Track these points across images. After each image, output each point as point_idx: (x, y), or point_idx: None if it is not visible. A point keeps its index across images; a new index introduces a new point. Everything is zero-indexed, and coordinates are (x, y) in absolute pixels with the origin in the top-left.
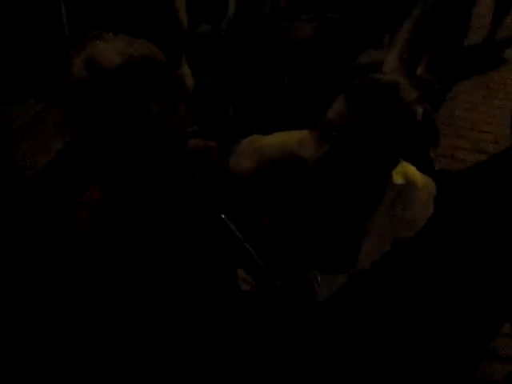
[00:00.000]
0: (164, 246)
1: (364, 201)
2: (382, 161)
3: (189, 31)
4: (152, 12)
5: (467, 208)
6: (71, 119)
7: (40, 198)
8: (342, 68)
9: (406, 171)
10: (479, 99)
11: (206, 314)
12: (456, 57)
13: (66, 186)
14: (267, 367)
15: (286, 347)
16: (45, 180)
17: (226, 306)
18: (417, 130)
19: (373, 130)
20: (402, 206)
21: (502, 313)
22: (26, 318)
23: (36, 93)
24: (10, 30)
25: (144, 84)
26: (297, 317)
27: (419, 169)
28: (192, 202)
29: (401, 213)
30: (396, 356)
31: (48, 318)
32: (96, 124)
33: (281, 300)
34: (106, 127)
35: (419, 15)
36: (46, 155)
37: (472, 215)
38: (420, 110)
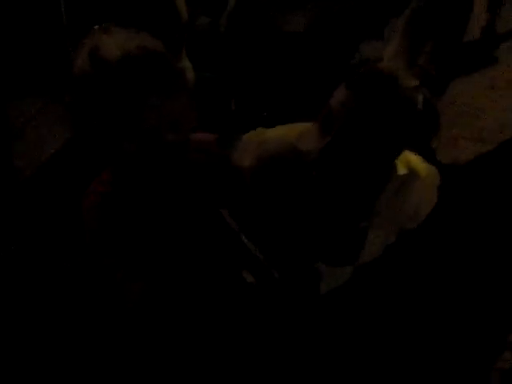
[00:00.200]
0: (165, 237)
1: (367, 191)
2: (384, 150)
3: (188, 25)
4: (152, 5)
5: (472, 198)
6: (74, 111)
7: (41, 195)
8: (344, 59)
9: (409, 161)
10: (481, 89)
11: (209, 305)
12: (457, 47)
13: (69, 182)
14: (270, 360)
15: (289, 339)
16: (45, 176)
17: (230, 297)
18: (417, 118)
19: (374, 118)
20: (405, 196)
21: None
22: (27, 315)
23: (36, 90)
24: (10, 29)
25: (145, 77)
26: (299, 309)
27: (422, 158)
28: (192, 195)
29: (405, 203)
30: (400, 350)
31: (50, 315)
32: (98, 116)
33: (280, 293)
34: (108, 119)
35: (419, 5)
36: (46, 152)
37: (477, 206)
38: (420, 98)
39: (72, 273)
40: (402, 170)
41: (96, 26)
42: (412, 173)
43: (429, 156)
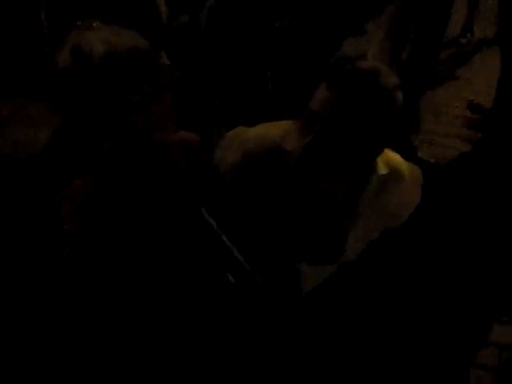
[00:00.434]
0: (147, 239)
1: (349, 191)
2: (366, 147)
3: (168, 23)
4: (131, 3)
5: (453, 196)
6: (57, 107)
7: (22, 195)
8: (325, 57)
9: (390, 160)
10: (460, 84)
11: (192, 305)
12: (438, 43)
13: (49, 182)
14: (254, 360)
15: (274, 340)
16: (24, 175)
17: (213, 298)
18: (398, 116)
19: (355, 116)
20: (387, 195)
21: (490, 311)
22: (14, 317)
23: (15, 89)
24: None
25: (127, 74)
26: (282, 310)
27: (402, 156)
28: (173, 194)
29: (387, 202)
30: (384, 348)
31: (37, 316)
32: (80, 113)
33: (263, 295)
34: (90, 117)
35: (402, 3)
36: (26, 151)
37: (458, 203)
38: (400, 96)
39: (57, 265)
40: (383, 170)
41: (78, 22)
42: (394, 172)
43: (409, 153)
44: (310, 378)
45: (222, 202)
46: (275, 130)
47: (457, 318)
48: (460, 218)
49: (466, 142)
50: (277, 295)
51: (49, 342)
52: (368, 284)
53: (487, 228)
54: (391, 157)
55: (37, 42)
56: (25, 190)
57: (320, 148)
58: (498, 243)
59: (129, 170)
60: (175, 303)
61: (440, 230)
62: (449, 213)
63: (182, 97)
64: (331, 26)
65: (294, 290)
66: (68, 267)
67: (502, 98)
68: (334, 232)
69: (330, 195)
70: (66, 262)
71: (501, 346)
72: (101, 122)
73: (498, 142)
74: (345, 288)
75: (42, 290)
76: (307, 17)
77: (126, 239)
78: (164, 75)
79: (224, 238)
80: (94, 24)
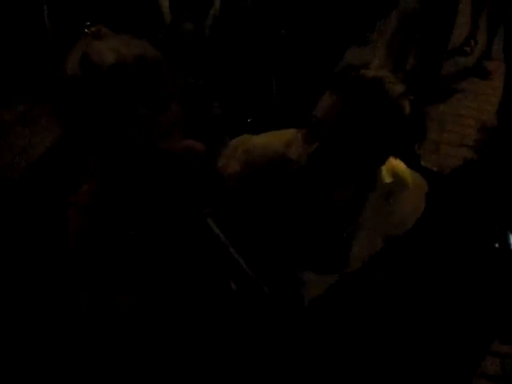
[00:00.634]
0: (151, 247)
1: (353, 199)
2: (371, 156)
3: (172, 30)
4: (134, 8)
5: (457, 205)
6: (62, 116)
7: (26, 199)
8: (329, 65)
9: (395, 169)
10: (465, 93)
11: (194, 313)
12: (442, 52)
13: (53, 186)
14: (258, 366)
15: (277, 347)
16: (30, 181)
17: (216, 305)
18: (404, 124)
19: (360, 124)
20: (392, 204)
21: (492, 321)
22: (15, 318)
23: (19, 94)
24: None
25: (136, 85)
26: (286, 318)
27: (407, 165)
28: (180, 204)
29: (391, 211)
30: (388, 357)
31: (40, 317)
32: (87, 122)
33: (268, 304)
34: (98, 126)
35: (405, 12)
36: (30, 156)
37: (462, 212)
38: (406, 104)
39: (62, 270)
40: (387, 178)
41: (87, 30)
42: (398, 181)
43: (413, 162)
44: (311, 381)
45: (226, 210)
46: (279, 139)
47: (460, 327)
48: (464, 226)
49: (470, 151)
50: (280, 304)
51: (50, 342)
52: (372, 293)
53: (491, 236)
54: (395, 165)
55: (41, 46)
56: (30, 195)
57: (325, 156)
58: (502, 251)
59: (135, 178)
60: (179, 309)
61: (444, 238)
62: (453, 221)
63: (187, 105)
64: (336, 35)
65: (297, 298)
66: (72, 269)
67: (506, 108)
68: (337, 240)
69: (335, 203)
70: (70, 264)
71: (502, 356)
72: (107, 130)
73: (501, 150)
74: (349, 297)
75: (45, 292)
76: (312, 25)
77: (130, 246)
78: (172, 85)
79: (231, 249)
80: (103, 32)
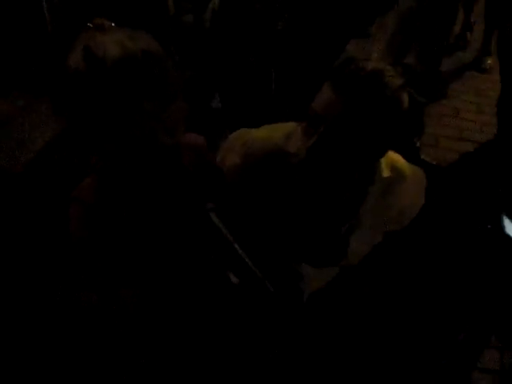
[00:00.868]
0: (155, 242)
1: (353, 192)
2: (370, 149)
3: (172, 22)
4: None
5: (456, 199)
6: (64, 110)
7: (26, 194)
8: (329, 58)
9: (394, 163)
10: (463, 87)
11: (197, 308)
12: (442, 48)
13: (53, 181)
14: (259, 362)
15: (277, 341)
16: (30, 175)
17: (217, 300)
18: (402, 117)
19: (359, 117)
20: (391, 198)
21: (491, 314)
22: (17, 316)
23: (19, 87)
24: None
25: (140, 79)
26: (285, 312)
27: (406, 158)
28: (182, 198)
29: (391, 205)
30: (386, 351)
31: (41, 315)
32: (90, 116)
33: (272, 301)
34: (101, 121)
35: (407, 8)
36: (30, 150)
37: (462, 206)
38: (405, 97)
39: (62, 266)
40: (386, 172)
41: (89, 23)
42: (397, 174)
43: (412, 155)
44: (312, 378)
45: (226, 204)
46: (278, 132)
47: (459, 321)
48: (463, 220)
49: (469, 145)
50: (280, 298)
51: (51, 342)
52: (371, 286)
53: (490, 231)
54: (394, 159)
55: (41, 39)
56: (29, 189)
57: (324, 149)
58: (501, 246)
59: (137, 173)
60: (181, 306)
61: (443, 232)
62: (452, 215)
63: (186, 98)
64: (335, 28)
65: (296, 292)
66: (75, 265)
67: (504, 103)
68: (336, 234)
69: (334, 196)
70: (73, 259)
71: (502, 349)
72: (110, 126)
73: (500, 144)
74: (348, 290)
75: (46, 291)
76: (312, 18)
77: (134, 241)
78: (177, 80)
79: (236, 246)
80: (106, 25)
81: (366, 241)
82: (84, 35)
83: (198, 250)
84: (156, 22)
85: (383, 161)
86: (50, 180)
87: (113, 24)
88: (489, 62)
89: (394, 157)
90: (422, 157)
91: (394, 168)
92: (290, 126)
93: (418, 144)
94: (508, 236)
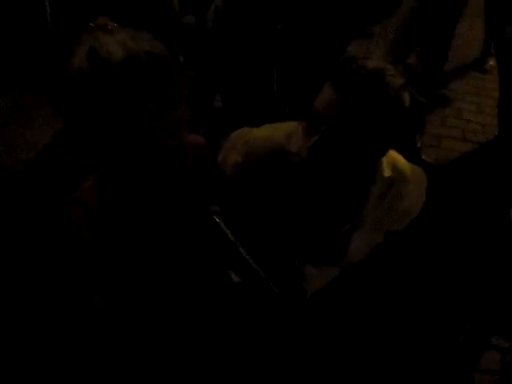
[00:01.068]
0: (158, 243)
1: (354, 192)
2: (371, 148)
3: (177, 21)
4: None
5: (458, 199)
6: (66, 110)
7: (25, 193)
8: (331, 57)
9: (395, 163)
10: (466, 88)
11: (199, 309)
12: (445, 49)
13: (53, 180)
14: (261, 361)
15: (278, 340)
16: (31, 174)
17: (218, 299)
18: (403, 116)
19: (360, 116)
20: (392, 198)
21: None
22: (18, 316)
23: (20, 87)
24: None
25: (144, 81)
26: (287, 311)
27: (407, 158)
28: (187, 201)
29: (392, 205)
30: (387, 351)
31: (42, 316)
32: (93, 117)
33: (276, 302)
34: (104, 122)
35: (409, 8)
36: (31, 150)
37: (463, 205)
38: (406, 96)
39: (64, 268)
40: (387, 172)
41: (92, 23)
42: (398, 174)
43: (413, 155)
44: (313, 377)
45: (228, 204)
46: (280, 131)
47: (460, 321)
48: (464, 220)
49: (471, 146)
50: (284, 298)
51: (52, 342)
52: (372, 286)
53: (491, 231)
54: (395, 159)
55: (42, 38)
56: (29, 189)
57: (325, 148)
58: (501, 246)
59: (140, 174)
60: (183, 306)
61: (444, 232)
62: (453, 215)
63: (190, 98)
64: (337, 27)
65: (299, 292)
66: (78, 269)
67: (505, 104)
68: (337, 233)
69: (335, 196)
70: (76, 263)
71: (502, 350)
72: (113, 127)
73: (500, 145)
74: (349, 290)
75: (47, 291)
76: (313, 18)
77: (136, 242)
78: (182, 81)
79: (241, 249)
80: (109, 26)
81: (366, 241)
82: (87, 35)
83: (202, 251)
84: (160, 21)
85: (384, 160)
86: (50, 179)
87: (115, 24)
88: (490, 63)
89: (395, 156)
90: (424, 157)
91: (394, 168)
92: (292, 125)
93: (418, 144)
94: None
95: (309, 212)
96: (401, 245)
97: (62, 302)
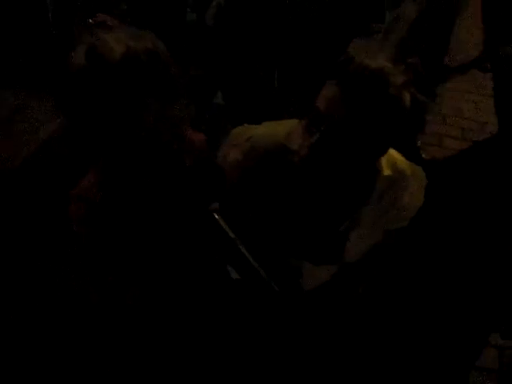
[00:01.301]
0: (158, 241)
1: (353, 190)
2: (371, 147)
3: (178, 20)
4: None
5: (457, 197)
6: (67, 106)
7: (26, 188)
8: (332, 55)
9: (394, 162)
10: (467, 86)
11: (198, 305)
12: (445, 49)
13: (54, 176)
14: (259, 359)
15: (276, 338)
16: (29, 171)
17: (218, 296)
18: (404, 115)
19: (361, 115)
20: (391, 196)
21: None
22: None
23: (20, 83)
24: None
25: (144, 78)
26: (284, 308)
27: (407, 157)
28: (187, 198)
29: (391, 204)
30: (385, 349)
31: (41, 314)
32: (93, 114)
33: (276, 300)
34: (104, 119)
35: (414, 12)
36: (29, 145)
37: (462, 204)
38: (407, 95)
39: (63, 265)
40: (387, 171)
41: (91, 21)
42: (398, 173)
43: (413, 154)
44: (310, 376)
45: (227, 201)
46: (280, 129)
47: (458, 319)
48: (463, 219)
49: (471, 145)
50: (283, 296)
51: (51, 341)
52: (370, 285)
53: (490, 230)
54: (395, 158)
55: (42, 36)
56: (29, 186)
57: (326, 147)
58: (501, 246)
59: (141, 171)
60: (183, 304)
61: (443, 231)
62: (452, 214)
63: (191, 96)
64: (339, 25)
65: (296, 289)
66: (78, 267)
67: (502, 104)
68: (336, 231)
69: (334, 194)
70: (76, 261)
71: (501, 348)
72: (114, 124)
73: (500, 143)
74: (346, 288)
75: (46, 289)
76: (315, 16)
77: (137, 239)
78: (181, 80)
79: (241, 247)
80: (109, 23)
81: (365, 239)
82: (87, 33)
83: (202, 249)
84: (164, 21)
85: (384, 159)
86: (50, 176)
87: (113, 21)
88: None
89: (394, 155)
90: (425, 156)
91: (394, 167)
92: (292, 123)
93: (418, 143)
94: None
95: (308, 209)
96: (400, 243)
97: (59, 299)
